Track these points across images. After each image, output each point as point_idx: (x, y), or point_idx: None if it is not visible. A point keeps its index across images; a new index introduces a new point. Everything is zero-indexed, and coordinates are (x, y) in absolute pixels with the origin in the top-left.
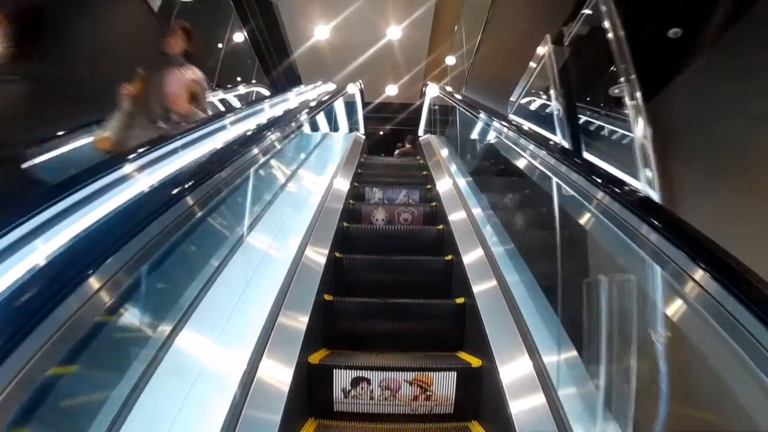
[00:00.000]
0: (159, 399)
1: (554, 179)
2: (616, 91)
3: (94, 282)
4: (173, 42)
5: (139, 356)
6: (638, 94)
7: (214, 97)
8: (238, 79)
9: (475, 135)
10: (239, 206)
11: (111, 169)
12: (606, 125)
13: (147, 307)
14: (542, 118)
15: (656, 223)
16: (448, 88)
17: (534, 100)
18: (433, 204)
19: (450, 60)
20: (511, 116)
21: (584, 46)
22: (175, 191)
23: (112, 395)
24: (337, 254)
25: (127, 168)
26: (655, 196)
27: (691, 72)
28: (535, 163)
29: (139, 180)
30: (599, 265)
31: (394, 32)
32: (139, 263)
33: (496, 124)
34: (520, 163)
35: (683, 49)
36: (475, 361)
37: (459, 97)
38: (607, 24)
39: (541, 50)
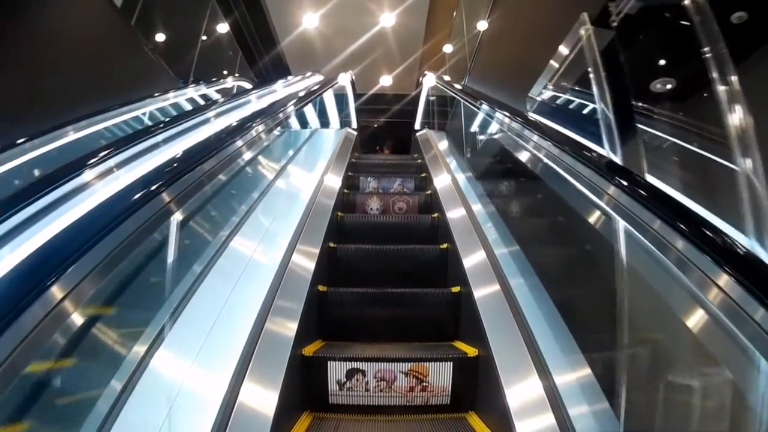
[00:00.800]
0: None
1: (620, 222)
2: (659, 85)
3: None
4: None
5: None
6: (733, 77)
7: (196, 92)
8: (224, 72)
9: (483, 132)
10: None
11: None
12: (657, 132)
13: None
14: (575, 119)
15: None
16: (446, 78)
17: (565, 97)
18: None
19: (448, 48)
20: (532, 115)
21: (633, 29)
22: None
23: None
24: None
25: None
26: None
27: (749, 64)
28: (599, 201)
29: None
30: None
31: (388, 19)
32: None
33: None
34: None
35: (747, 37)
36: (471, 351)
37: (459, 87)
38: None
39: (576, 33)
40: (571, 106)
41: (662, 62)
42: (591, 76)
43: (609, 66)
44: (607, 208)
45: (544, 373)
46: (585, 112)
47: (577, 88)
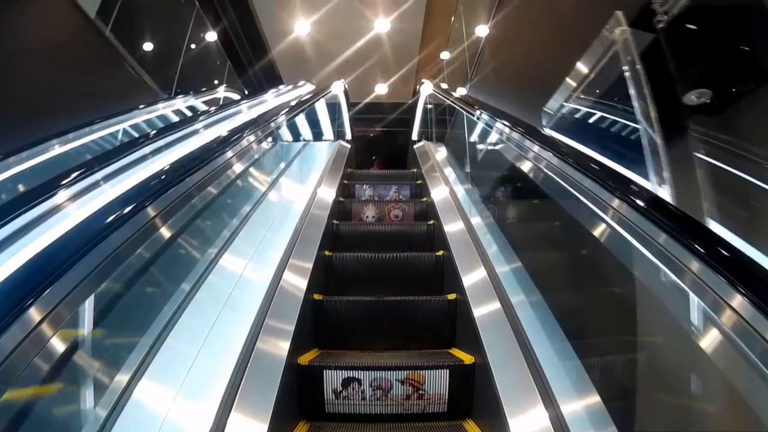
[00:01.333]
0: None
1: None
2: (693, 97)
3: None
4: None
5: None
6: None
7: (184, 103)
8: (215, 82)
9: (491, 144)
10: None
11: None
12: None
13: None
14: (606, 138)
15: None
16: (444, 85)
17: (591, 112)
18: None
19: (446, 55)
20: (549, 132)
21: (676, 32)
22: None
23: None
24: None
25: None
26: None
27: None
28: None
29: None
30: None
31: (383, 25)
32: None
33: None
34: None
35: None
36: (467, 358)
37: (459, 96)
38: None
39: (607, 37)
40: (601, 124)
41: (720, 70)
42: (630, 86)
43: (654, 76)
44: (612, 222)
45: (537, 373)
46: (620, 131)
47: (607, 102)
